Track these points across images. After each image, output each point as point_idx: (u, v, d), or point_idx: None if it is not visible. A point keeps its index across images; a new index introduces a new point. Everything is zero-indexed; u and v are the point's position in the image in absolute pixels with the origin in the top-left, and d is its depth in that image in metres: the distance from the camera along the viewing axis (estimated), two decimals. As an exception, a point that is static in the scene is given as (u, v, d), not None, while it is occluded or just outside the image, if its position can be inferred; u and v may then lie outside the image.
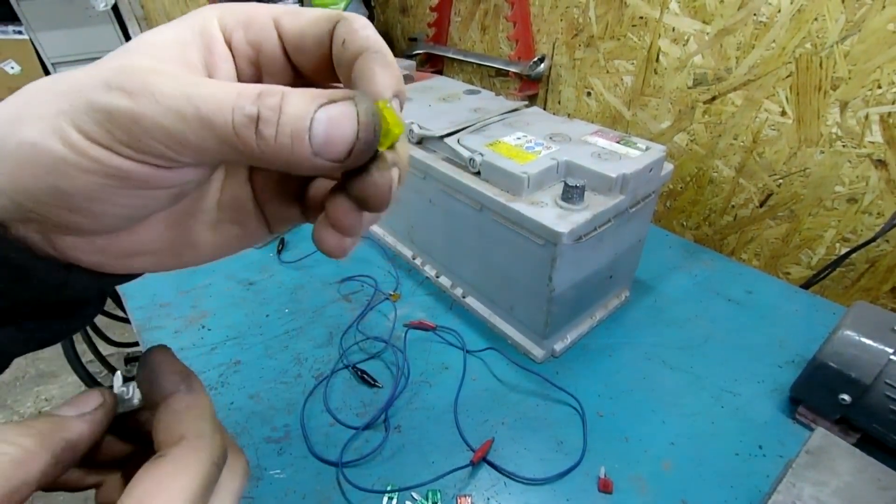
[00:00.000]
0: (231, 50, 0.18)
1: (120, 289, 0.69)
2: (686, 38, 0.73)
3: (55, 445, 0.16)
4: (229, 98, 0.13)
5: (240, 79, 0.18)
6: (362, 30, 0.17)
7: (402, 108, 0.17)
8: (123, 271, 0.18)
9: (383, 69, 0.17)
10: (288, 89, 0.14)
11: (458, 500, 0.43)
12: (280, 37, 0.18)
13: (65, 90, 0.14)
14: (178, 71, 0.15)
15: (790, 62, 0.64)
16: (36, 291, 0.16)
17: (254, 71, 0.19)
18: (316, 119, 0.14)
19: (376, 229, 0.79)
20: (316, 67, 0.19)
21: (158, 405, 0.18)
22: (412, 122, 0.59)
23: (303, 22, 0.18)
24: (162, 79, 0.13)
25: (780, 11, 0.62)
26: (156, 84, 0.13)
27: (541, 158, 0.51)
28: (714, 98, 0.73)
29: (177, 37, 0.17)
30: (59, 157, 0.13)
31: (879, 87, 0.58)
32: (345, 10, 1.10)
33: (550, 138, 0.55)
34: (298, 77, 0.19)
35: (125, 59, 0.15)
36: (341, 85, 0.19)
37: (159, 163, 0.14)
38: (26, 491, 0.15)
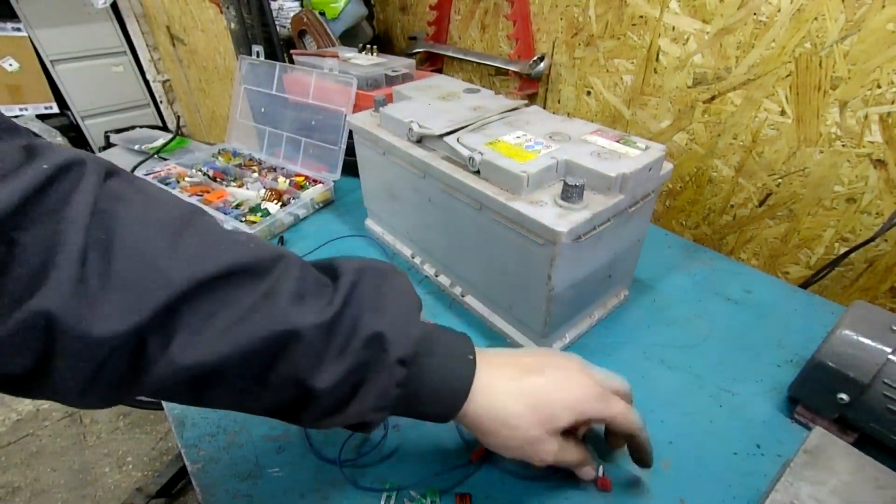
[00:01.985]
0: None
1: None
2: (686, 37, 0.73)
3: None
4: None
5: None
6: (623, 422, 0.39)
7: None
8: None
9: (646, 436, 0.41)
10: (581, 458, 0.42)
11: (457, 499, 0.43)
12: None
13: None
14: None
15: (790, 62, 0.64)
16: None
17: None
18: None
19: (375, 227, 0.79)
20: None
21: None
22: (411, 121, 0.59)
23: (590, 416, 0.39)
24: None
25: (779, 11, 0.62)
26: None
27: (540, 157, 0.51)
28: (714, 97, 0.73)
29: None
30: None
31: (879, 86, 0.58)
32: (343, 8, 1.10)
33: (550, 137, 0.55)
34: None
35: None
36: None
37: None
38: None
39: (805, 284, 0.69)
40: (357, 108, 0.85)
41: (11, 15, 2.45)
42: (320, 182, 0.90)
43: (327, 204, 0.89)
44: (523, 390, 0.37)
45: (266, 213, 0.81)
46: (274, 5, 1.10)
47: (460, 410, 0.36)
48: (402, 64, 0.93)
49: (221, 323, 0.28)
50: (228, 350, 0.28)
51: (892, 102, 0.58)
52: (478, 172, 0.53)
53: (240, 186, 0.91)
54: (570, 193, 0.46)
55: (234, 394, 0.31)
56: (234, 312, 0.28)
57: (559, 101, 0.96)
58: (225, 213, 0.81)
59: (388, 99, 0.71)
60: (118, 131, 2.53)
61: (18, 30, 2.49)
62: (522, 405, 0.37)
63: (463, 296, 0.64)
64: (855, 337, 0.44)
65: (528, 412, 0.36)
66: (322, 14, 1.10)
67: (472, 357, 0.38)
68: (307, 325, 0.30)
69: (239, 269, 0.29)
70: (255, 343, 0.29)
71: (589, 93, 0.90)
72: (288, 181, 0.90)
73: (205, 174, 0.95)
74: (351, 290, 0.33)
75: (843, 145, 0.63)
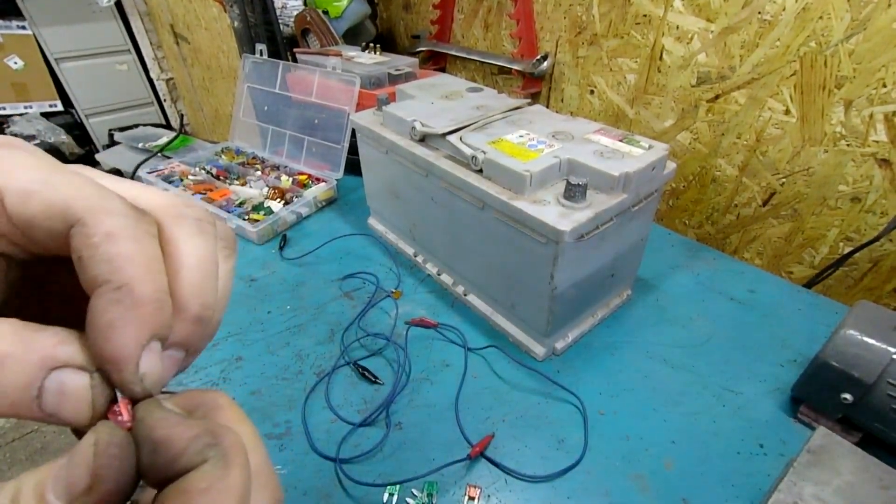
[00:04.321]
0: None
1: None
2: (690, 36, 0.72)
3: None
4: None
5: None
6: (104, 244, 0.12)
7: (166, 344, 0.14)
8: None
9: (124, 319, 0.12)
10: (4, 349, 0.12)
11: (468, 489, 0.43)
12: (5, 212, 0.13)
13: None
14: None
15: (794, 61, 0.64)
16: None
17: None
18: (45, 388, 0.12)
19: (378, 226, 0.79)
20: (62, 253, 0.14)
21: (163, 484, 0.13)
22: (414, 120, 0.59)
23: (30, 212, 0.13)
24: None
25: (784, 10, 0.62)
26: None
27: (543, 156, 0.51)
28: (717, 96, 0.73)
29: None
30: None
31: (884, 85, 0.58)
32: (347, 7, 1.10)
33: (553, 136, 0.55)
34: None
35: None
36: None
37: None
38: None
39: (809, 284, 0.68)
40: (360, 106, 0.85)
41: (16, 13, 2.46)
42: (323, 180, 0.90)
43: (330, 202, 0.89)
44: None
45: (269, 212, 0.81)
46: (277, 4, 1.10)
47: None
48: (405, 62, 0.93)
49: None
50: None
51: (898, 101, 0.58)
52: (480, 171, 0.53)
53: (243, 185, 0.91)
54: (573, 192, 0.46)
55: None
56: None
57: (562, 100, 0.96)
58: (228, 212, 0.81)
59: (391, 98, 0.71)
60: (122, 129, 2.54)
61: (23, 28, 2.50)
62: None
63: (465, 295, 0.64)
64: (859, 337, 0.43)
65: None
66: (325, 12, 1.10)
67: None
68: None
69: None
70: None
71: (592, 92, 0.90)
72: (291, 179, 0.91)
73: (208, 172, 0.95)
74: None
75: (848, 144, 0.63)
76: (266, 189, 0.88)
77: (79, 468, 0.12)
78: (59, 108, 2.71)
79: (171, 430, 0.13)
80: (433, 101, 0.66)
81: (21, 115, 2.62)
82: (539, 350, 0.56)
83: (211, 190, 0.89)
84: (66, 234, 0.13)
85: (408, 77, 0.91)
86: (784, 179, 0.70)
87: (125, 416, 0.13)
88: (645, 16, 0.76)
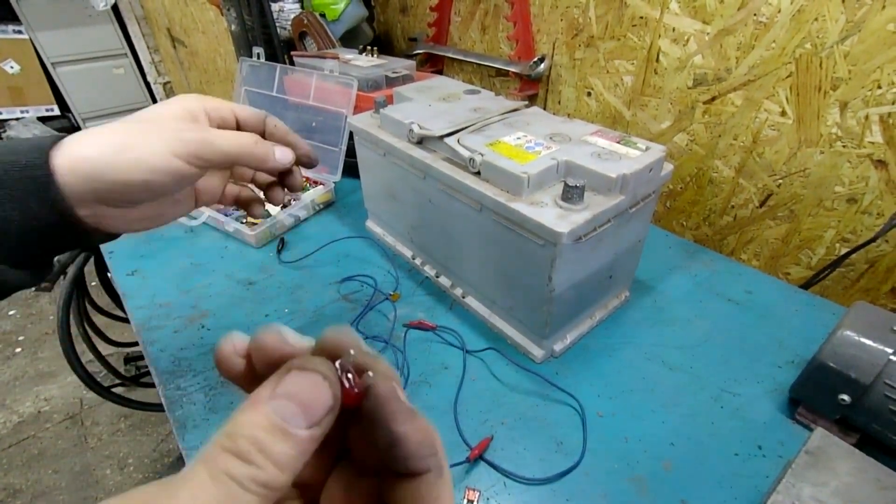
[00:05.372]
0: (209, 122, 0.37)
1: (120, 288, 0.69)
2: (686, 38, 0.73)
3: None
4: (248, 138, 0.36)
5: None
6: (278, 123, 0.40)
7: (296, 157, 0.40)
8: (126, 231, 0.36)
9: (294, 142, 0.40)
10: (269, 145, 0.38)
11: (467, 492, 0.43)
12: (236, 119, 0.38)
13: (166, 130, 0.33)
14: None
15: (790, 62, 0.64)
16: (74, 245, 0.33)
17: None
18: (276, 151, 0.38)
19: (376, 229, 0.79)
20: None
21: (400, 473, 0.16)
22: (412, 122, 0.59)
23: (247, 114, 0.39)
24: (215, 132, 0.35)
25: (780, 12, 0.62)
26: (213, 132, 0.35)
27: (541, 158, 0.51)
28: (714, 98, 0.73)
29: (181, 111, 0.35)
30: (163, 167, 0.32)
31: (879, 87, 0.58)
32: (344, 10, 1.09)
33: (550, 138, 0.55)
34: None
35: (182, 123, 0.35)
36: None
37: (204, 165, 0.34)
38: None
39: (806, 285, 0.69)
40: (357, 109, 0.85)
41: (13, 17, 2.46)
42: (321, 183, 0.90)
43: (328, 205, 0.89)
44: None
45: (267, 215, 0.81)
46: (274, 7, 1.10)
47: (49, 169, 0.29)
48: (402, 65, 0.93)
49: None
50: None
51: (893, 103, 0.58)
52: (478, 173, 0.53)
53: (240, 188, 0.91)
54: (571, 194, 0.46)
55: None
56: None
57: (559, 102, 0.96)
58: (226, 215, 0.81)
59: (389, 100, 0.71)
60: (119, 133, 2.53)
61: (20, 32, 2.49)
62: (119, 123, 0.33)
63: (464, 297, 0.64)
64: (856, 338, 0.43)
65: (130, 123, 0.33)
66: (322, 16, 1.10)
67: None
68: None
69: None
70: None
71: (589, 94, 0.90)
72: (288, 182, 0.90)
73: (205, 176, 0.95)
74: None
75: (844, 146, 0.63)
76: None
77: (319, 390, 0.15)
78: (56, 112, 2.71)
79: (405, 426, 0.16)
80: (430, 104, 0.66)
81: (17, 119, 2.61)
82: (537, 352, 0.56)
83: (208, 193, 0.88)
84: (263, 121, 0.40)
85: (405, 79, 0.91)
86: (780, 181, 0.71)
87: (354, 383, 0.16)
88: (641, 18, 0.77)
